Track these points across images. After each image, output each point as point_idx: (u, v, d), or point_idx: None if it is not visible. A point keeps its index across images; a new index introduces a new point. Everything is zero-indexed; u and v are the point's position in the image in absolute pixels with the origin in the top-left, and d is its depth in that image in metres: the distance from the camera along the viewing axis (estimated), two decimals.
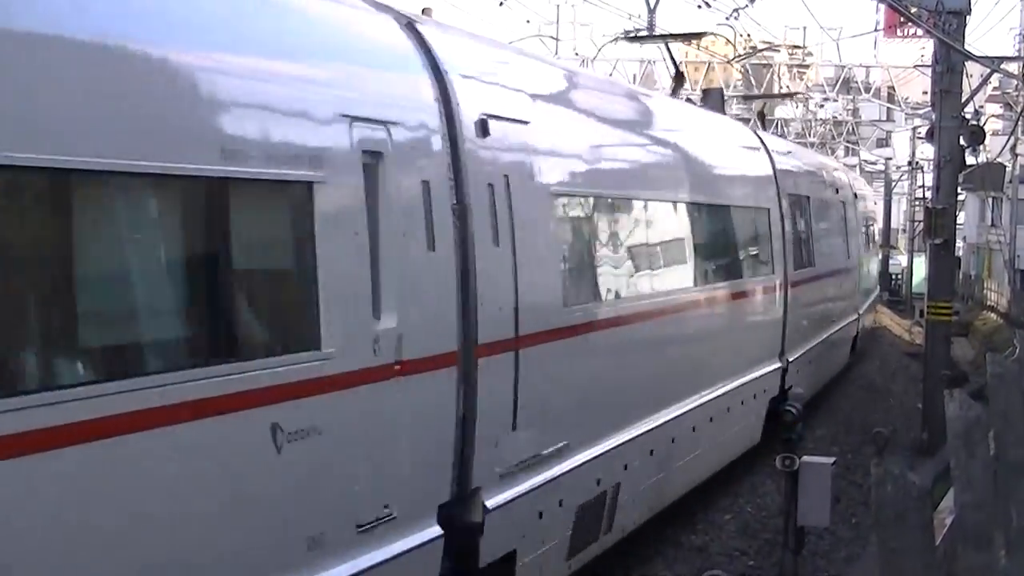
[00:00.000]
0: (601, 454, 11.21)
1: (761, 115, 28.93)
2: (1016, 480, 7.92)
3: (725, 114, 22.89)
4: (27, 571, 5.40)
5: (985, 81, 29.11)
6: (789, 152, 23.75)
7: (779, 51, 56.99)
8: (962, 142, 22.93)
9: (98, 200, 6.07)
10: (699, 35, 25.15)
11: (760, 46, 54.51)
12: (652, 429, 12.76)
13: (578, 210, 11.33)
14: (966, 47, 22.89)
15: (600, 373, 11.37)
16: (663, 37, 23.12)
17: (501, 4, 29.42)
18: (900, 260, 73.61)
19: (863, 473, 18.86)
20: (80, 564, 5.66)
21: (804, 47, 68.41)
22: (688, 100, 22.31)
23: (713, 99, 22.38)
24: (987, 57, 27.20)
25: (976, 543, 6.67)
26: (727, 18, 28.89)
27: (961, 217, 52.29)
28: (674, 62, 22.38)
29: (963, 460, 6.76)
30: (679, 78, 21.72)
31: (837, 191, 27.73)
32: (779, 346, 19.25)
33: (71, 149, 5.65)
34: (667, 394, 13.57)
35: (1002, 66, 29.72)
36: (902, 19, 36.75)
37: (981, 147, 28.32)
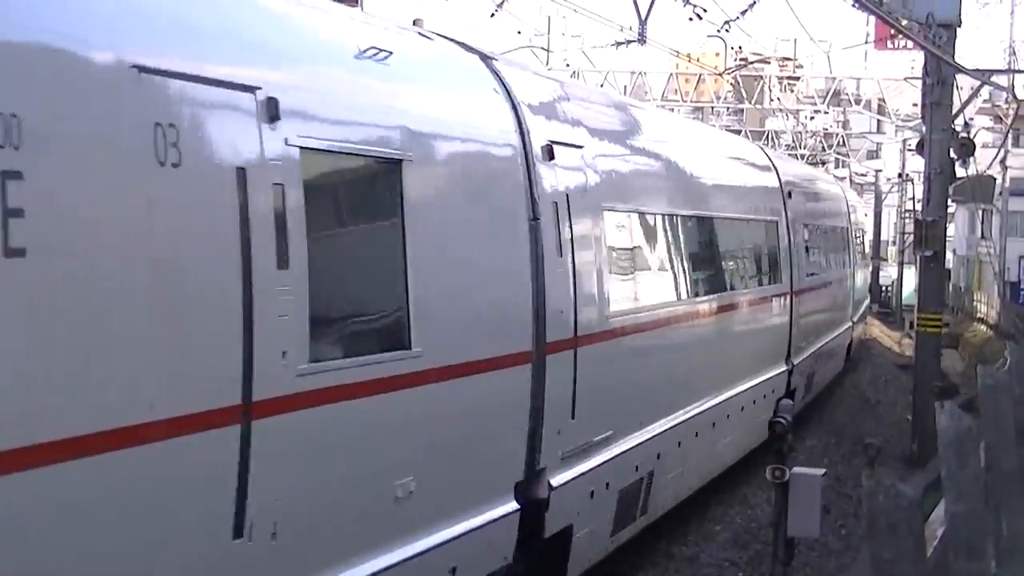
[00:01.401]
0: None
1: None
2: (1007, 490, 7.94)
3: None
4: None
5: (975, 94, 29.21)
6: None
7: (770, 63, 57.16)
8: (952, 154, 23.00)
9: None
10: None
11: (751, 58, 54.67)
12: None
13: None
14: (956, 60, 22.96)
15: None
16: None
17: (493, 15, 29.40)
18: (890, 272, 73.73)
19: (853, 484, 18.87)
20: None
21: (795, 59, 68.62)
22: None
23: None
24: (977, 70, 27.29)
25: (968, 553, 6.69)
26: (718, 30, 28.89)
27: (951, 229, 52.40)
28: None
29: (954, 470, 6.78)
30: None
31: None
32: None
33: None
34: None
35: (992, 79, 29.82)
36: (893, 31, 36.86)
37: (971, 159, 28.38)
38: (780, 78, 58.05)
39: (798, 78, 60.76)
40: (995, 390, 8.30)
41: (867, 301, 43.92)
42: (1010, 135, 50.91)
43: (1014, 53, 47.67)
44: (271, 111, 6.77)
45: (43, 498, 5.43)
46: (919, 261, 23.45)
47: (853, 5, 19.76)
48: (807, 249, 23.64)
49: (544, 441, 10.16)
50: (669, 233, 14.26)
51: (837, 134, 67.96)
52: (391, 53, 8.56)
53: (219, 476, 6.40)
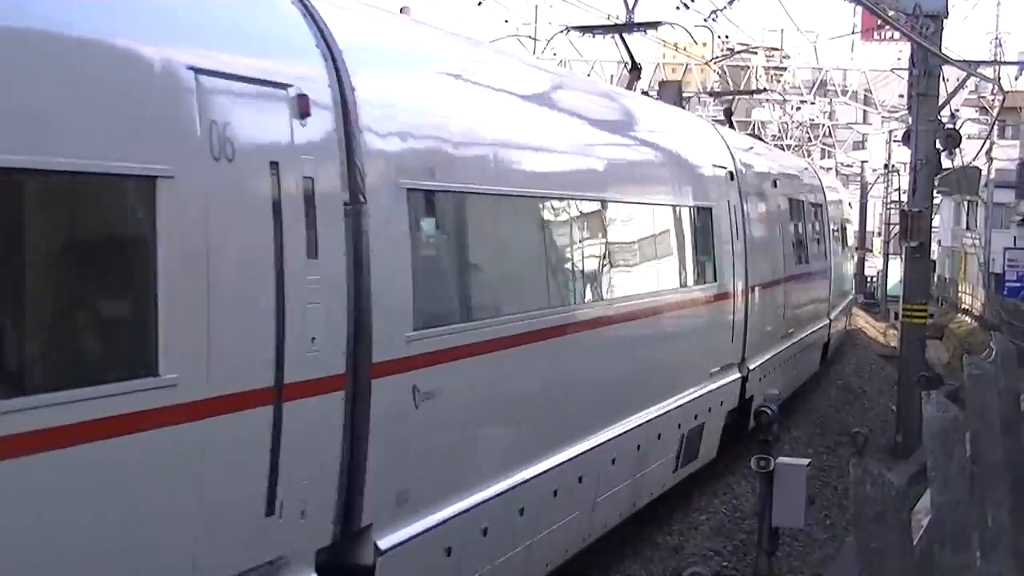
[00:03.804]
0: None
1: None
2: (992, 482, 7.93)
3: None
4: None
5: (961, 85, 29.24)
6: None
7: (756, 53, 57.14)
8: (938, 145, 23.02)
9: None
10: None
11: (737, 48, 54.65)
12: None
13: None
14: (943, 51, 22.97)
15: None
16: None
17: (480, 3, 29.39)
18: (875, 263, 73.95)
19: (837, 474, 18.93)
20: None
21: (781, 49, 68.68)
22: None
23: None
24: (964, 61, 27.32)
25: (953, 544, 6.68)
26: (705, 19, 28.91)
27: (936, 220, 52.50)
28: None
29: (940, 461, 6.76)
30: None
31: None
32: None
33: None
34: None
35: (978, 70, 29.84)
36: (880, 22, 36.88)
37: (957, 151, 28.41)
38: (767, 68, 58.03)
39: (785, 68, 60.79)
40: (981, 380, 8.28)
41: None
42: (996, 126, 51.01)
43: (1000, 44, 47.79)
44: None
45: None
46: (904, 252, 23.48)
47: None
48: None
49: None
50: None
51: (823, 125, 68.09)
52: None
53: None
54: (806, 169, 29.74)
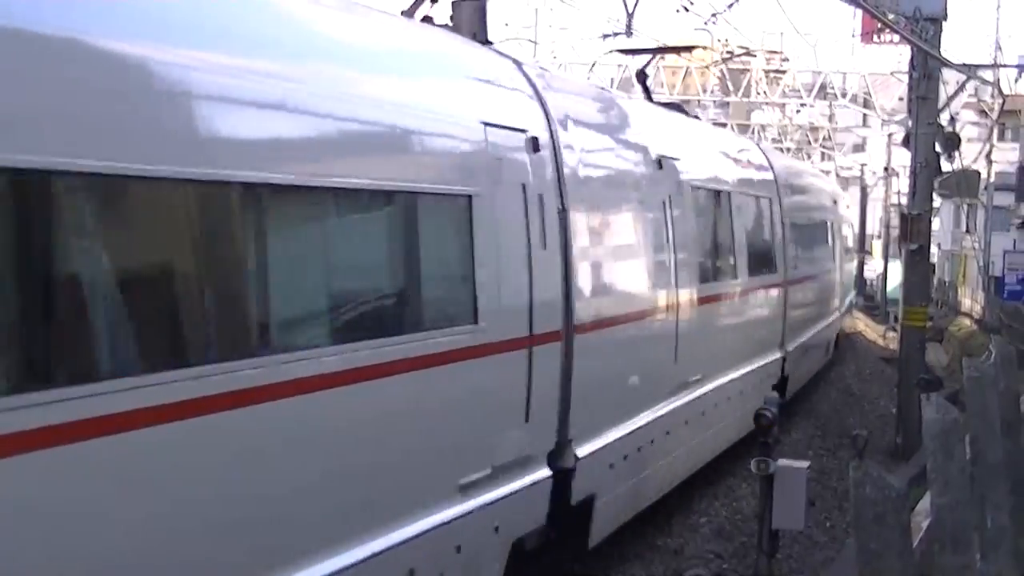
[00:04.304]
0: None
1: None
2: (992, 483, 7.97)
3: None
4: None
5: (961, 88, 29.27)
6: None
7: (756, 56, 57.19)
8: (938, 148, 23.05)
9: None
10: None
11: (737, 51, 54.70)
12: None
13: None
14: (942, 54, 23.01)
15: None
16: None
17: None
18: (875, 266, 74.02)
19: (837, 477, 18.94)
20: None
21: (781, 52, 68.74)
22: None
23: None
24: (963, 64, 27.34)
25: (953, 546, 6.71)
26: (706, 23, 29.01)
27: (936, 223, 52.55)
28: None
29: (940, 463, 6.80)
30: None
31: None
32: None
33: None
34: None
35: (978, 73, 29.88)
36: (879, 26, 36.92)
37: (956, 154, 28.43)
38: (766, 71, 58.08)
39: (784, 71, 60.84)
40: (980, 383, 8.32)
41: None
42: (995, 129, 51.05)
43: (999, 47, 47.85)
44: None
45: None
46: (904, 255, 23.50)
47: None
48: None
49: None
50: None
51: (823, 128, 68.12)
52: None
53: None
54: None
